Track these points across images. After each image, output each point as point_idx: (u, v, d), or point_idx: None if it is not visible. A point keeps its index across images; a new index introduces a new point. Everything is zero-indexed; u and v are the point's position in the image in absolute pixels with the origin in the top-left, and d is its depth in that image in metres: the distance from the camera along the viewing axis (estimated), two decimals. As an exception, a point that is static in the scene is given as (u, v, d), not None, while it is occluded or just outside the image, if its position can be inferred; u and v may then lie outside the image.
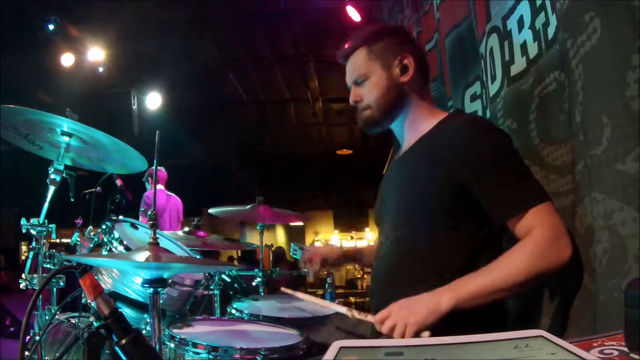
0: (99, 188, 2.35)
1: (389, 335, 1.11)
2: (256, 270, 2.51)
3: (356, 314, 1.23)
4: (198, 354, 1.23)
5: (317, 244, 11.17)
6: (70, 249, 2.38)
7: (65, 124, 1.57)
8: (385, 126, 1.41)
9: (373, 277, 1.41)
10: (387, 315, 1.13)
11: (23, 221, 1.58)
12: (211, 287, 1.95)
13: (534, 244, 1.13)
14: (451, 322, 1.10)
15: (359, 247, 1.89)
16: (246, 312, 1.67)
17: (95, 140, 1.64)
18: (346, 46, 1.43)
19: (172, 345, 1.28)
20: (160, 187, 4.77)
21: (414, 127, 1.39)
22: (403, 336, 1.07)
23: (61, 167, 1.65)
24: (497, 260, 1.15)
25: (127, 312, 1.59)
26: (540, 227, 1.14)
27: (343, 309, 1.27)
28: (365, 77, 1.37)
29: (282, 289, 1.65)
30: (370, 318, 1.19)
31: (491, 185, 1.18)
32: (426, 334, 1.07)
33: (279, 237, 12.91)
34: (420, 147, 1.34)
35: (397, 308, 1.13)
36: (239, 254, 7.59)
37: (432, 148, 1.29)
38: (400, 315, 1.11)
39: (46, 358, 1.49)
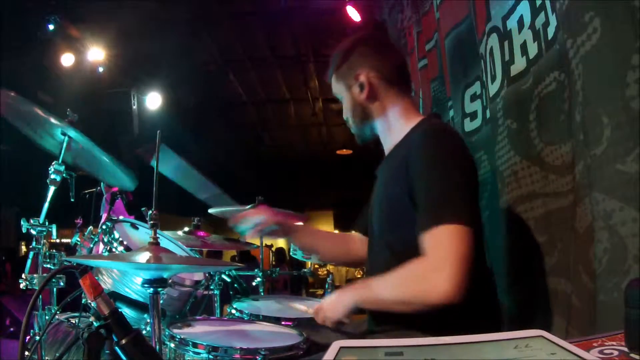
0: (99, 188, 2.36)
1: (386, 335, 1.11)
2: (256, 270, 2.51)
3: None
4: (198, 354, 1.23)
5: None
6: (70, 249, 2.38)
7: (63, 129, 1.57)
8: (369, 135, 1.44)
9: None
10: (319, 308, 1.29)
11: (23, 221, 1.58)
12: (211, 287, 1.95)
13: (411, 268, 1.09)
14: (450, 322, 1.10)
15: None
16: (246, 312, 1.67)
17: (88, 149, 1.65)
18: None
19: (172, 345, 1.28)
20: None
21: (389, 133, 1.39)
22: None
23: (61, 167, 1.65)
24: (391, 274, 1.14)
25: (127, 312, 1.58)
26: (428, 253, 1.07)
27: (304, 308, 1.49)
28: (340, 98, 1.44)
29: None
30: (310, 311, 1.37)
31: (418, 196, 1.15)
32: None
33: (279, 237, 12.85)
34: (392, 155, 1.36)
35: (325, 302, 1.30)
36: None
37: (397, 157, 1.29)
38: (324, 309, 1.28)
39: (46, 358, 1.49)
